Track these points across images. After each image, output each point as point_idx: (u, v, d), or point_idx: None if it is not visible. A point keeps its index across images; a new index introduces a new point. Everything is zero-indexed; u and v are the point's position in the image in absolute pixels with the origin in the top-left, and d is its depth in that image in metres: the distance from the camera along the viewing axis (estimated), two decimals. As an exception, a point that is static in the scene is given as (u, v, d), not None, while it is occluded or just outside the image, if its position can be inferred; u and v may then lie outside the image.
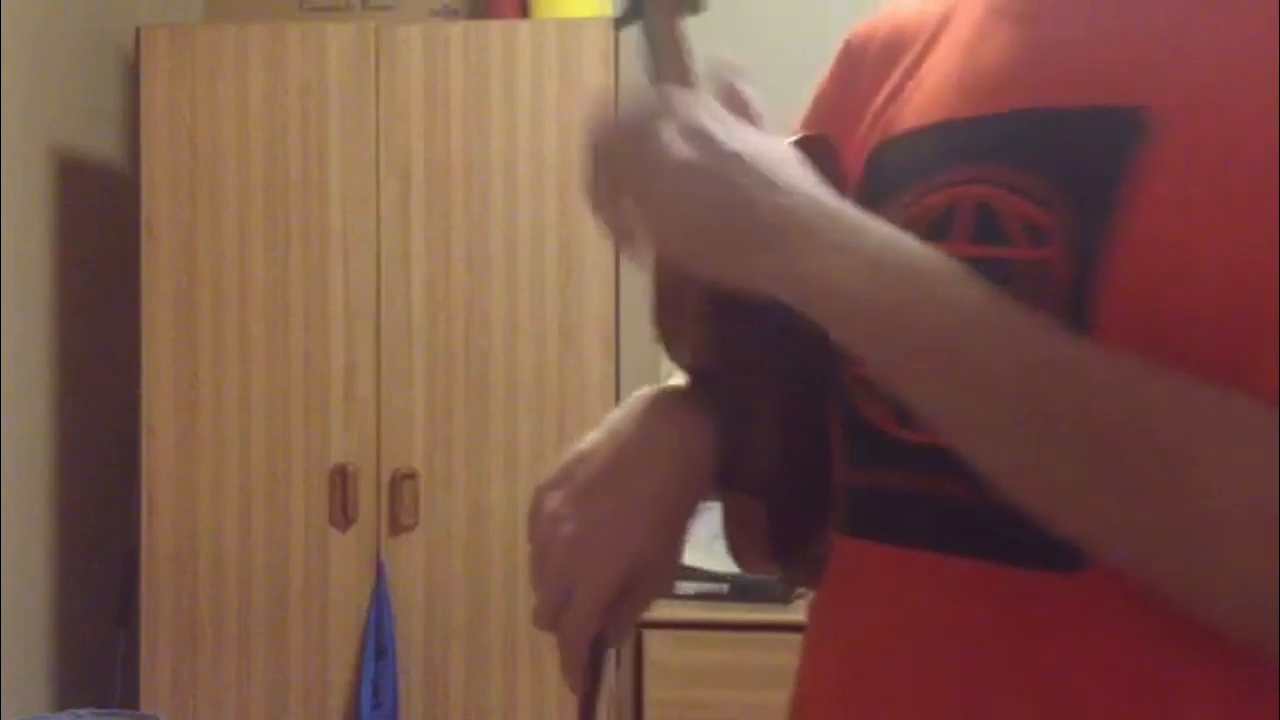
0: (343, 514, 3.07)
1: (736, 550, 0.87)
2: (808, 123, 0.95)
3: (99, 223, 3.39)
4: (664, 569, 0.83)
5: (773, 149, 0.73)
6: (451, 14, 3.27)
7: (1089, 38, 0.76)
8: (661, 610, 3.10)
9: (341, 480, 3.07)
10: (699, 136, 0.72)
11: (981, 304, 0.67)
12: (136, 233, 3.12)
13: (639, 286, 3.29)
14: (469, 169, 3.06)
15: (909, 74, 0.86)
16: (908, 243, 0.70)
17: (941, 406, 0.68)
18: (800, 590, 0.99)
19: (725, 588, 2.99)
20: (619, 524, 0.81)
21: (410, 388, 3.06)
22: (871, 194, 0.81)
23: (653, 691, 3.05)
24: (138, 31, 3.14)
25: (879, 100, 0.87)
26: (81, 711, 2.97)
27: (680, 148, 0.71)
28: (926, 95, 0.84)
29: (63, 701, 3.20)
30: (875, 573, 0.79)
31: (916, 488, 0.76)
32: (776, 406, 0.85)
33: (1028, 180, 0.74)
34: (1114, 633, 0.69)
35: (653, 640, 3.07)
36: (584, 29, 3.06)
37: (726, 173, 0.71)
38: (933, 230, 0.76)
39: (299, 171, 3.09)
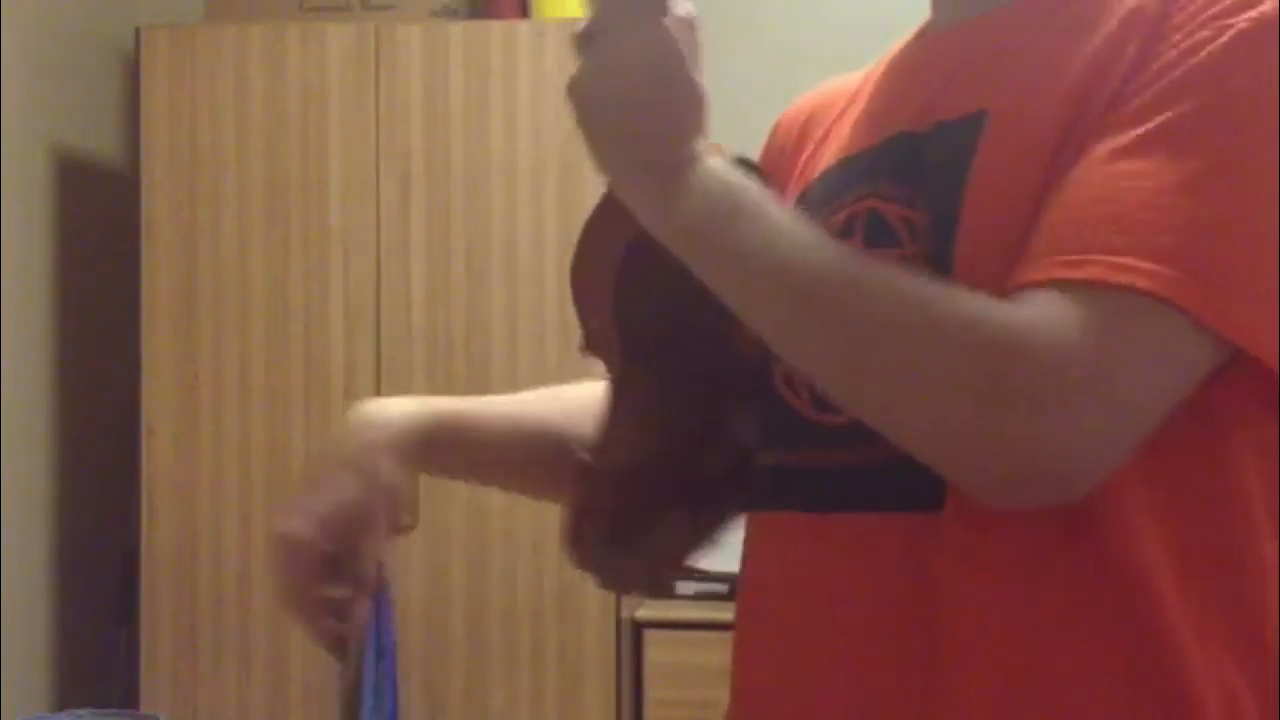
0: (343, 514, 3.07)
1: (575, 535, 0.98)
2: None
3: (99, 223, 3.39)
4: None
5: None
6: (451, 14, 3.27)
7: (940, 73, 0.94)
8: (661, 610, 3.10)
9: (341, 480, 3.06)
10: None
11: (790, 225, 0.84)
12: (136, 233, 3.11)
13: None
14: (469, 169, 3.06)
15: (827, 134, 1.04)
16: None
17: (742, 288, 0.84)
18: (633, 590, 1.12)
19: (725, 588, 2.99)
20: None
21: (410, 388, 3.06)
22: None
23: (653, 691, 3.05)
24: (138, 31, 3.14)
25: (806, 154, 1.05)
26: (81, 711, 2.97)
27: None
28: (835, 141, 1.02)
29: (63, 701, 3.20)
30: (797, 536, 0.93)
31: (830, 462, 0.91)
32: (645, 401, 0.95)
33: (902, 190, 0.90)
34: (973, 556, 0.85)
35: (653, 640, 3.07)
36: (584, 29, 3.06)
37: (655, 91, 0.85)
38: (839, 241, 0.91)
39: (299, 171, 3.09)
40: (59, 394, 3.23)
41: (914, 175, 0.90)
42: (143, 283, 3.10)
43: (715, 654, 2.98)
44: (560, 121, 3.04)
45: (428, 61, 3.08)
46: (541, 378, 3.01)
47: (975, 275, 0.83)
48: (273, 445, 3.08)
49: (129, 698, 3.15)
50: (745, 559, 1.00)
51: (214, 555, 3.09)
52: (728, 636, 1.01)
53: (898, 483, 0.87)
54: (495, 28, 3.11)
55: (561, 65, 3.04)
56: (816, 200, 0.98)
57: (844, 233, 0.92)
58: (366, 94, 3.08)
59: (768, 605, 0.96)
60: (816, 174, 1.01)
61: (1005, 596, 0.84)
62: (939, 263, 0.86)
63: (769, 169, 1.02)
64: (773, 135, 1.13)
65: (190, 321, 3.10)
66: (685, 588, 2.98)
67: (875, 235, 0.90)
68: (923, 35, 1.01)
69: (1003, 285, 0.82)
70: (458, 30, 3.10)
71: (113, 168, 3.47)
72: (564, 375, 3.27)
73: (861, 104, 1.02)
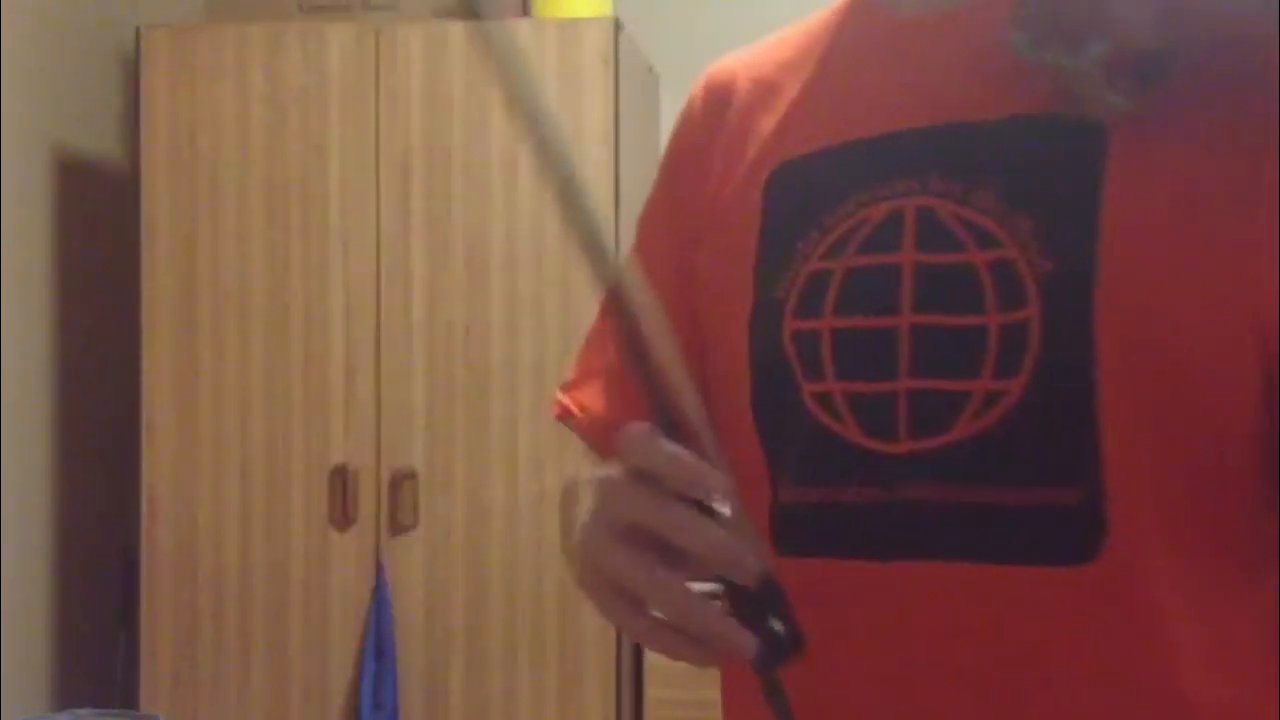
0: (343, 514, 3.07)
1: None
2: (666, 165, 0.99)
3: (99, 223, 3.39)
4: None
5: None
6: (451, 14, 3.26)
7: (991, 56, 0.80)
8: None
9: (341, 480, 3.07)
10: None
11: None
12: (136, 233, 3.11)
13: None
14: (469, 169, 3.06)
15: (791, 105, 0.90)
16: None
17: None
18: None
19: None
20: None
21: (410, 388, 3.06)
22: (786, 213, 0.86)
23: (653, 691, 3.06)
24: (138, 31, 3.14)
25: (759, 130, 0.91)
26: (81, 711, 2.97)
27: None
28: (820, 118, 0.88)
29: (63, 701, 3.20)
30: (865, 591, 0.80)
31: (895, 497, 0.78)
32: None
33: (956, 188, 0.79)
34: (1124, 619, 0.75)
35: (653, 640, 3.07)
36: (584, 29, 3.06)
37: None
38: (875, 243, 0.81)
39: (299, 171, 3.09)
40: (59, 394, 3.23)
41: (972, 171, 0.79)
42: (143, 283, 3.10)
43: (715, 654, 2.99)
44: (560, 121, 3.04)
45: (428, 61, 3.07)
46: (541, 378, 3.01)
47: (1129, 290, 0.75)
48: (273, 445, 3.08)
49: (129, 698, 3.15)
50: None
51: (214, 555, 3.09)
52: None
53: (991, 528, 0.77)
54: (495, 28, 3.11)
55: (561, 65, 3.04)
56: (814, 189, 0.86)
57: (887, 231, 0.81)
58: (366, 94, 3.08)
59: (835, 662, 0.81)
60: (793, 157, 0.88)
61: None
62: (1063, 273, 0.76)
63: (698, 137, 0.94)
64: (705, 96, 0.98)
65: (190, 321, 3.09)
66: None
67: (929, 237, 0.79)
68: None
69: (1165, 322, 0.74)
70: (458, 30, 3.10)
71: (113, 168, 3.47)
72: (564, 375, 3.27)
73: (834, 78, 0.89)
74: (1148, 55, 0.75)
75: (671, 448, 0.69)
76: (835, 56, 0.91)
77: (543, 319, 3.03)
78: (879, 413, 0.79)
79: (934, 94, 0.83)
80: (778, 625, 0.70)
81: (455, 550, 3.05)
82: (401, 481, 3.06)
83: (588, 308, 3.07)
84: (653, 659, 3.06)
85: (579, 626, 3.02)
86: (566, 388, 1.01)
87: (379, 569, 3.06)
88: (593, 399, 0.99)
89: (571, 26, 3.07)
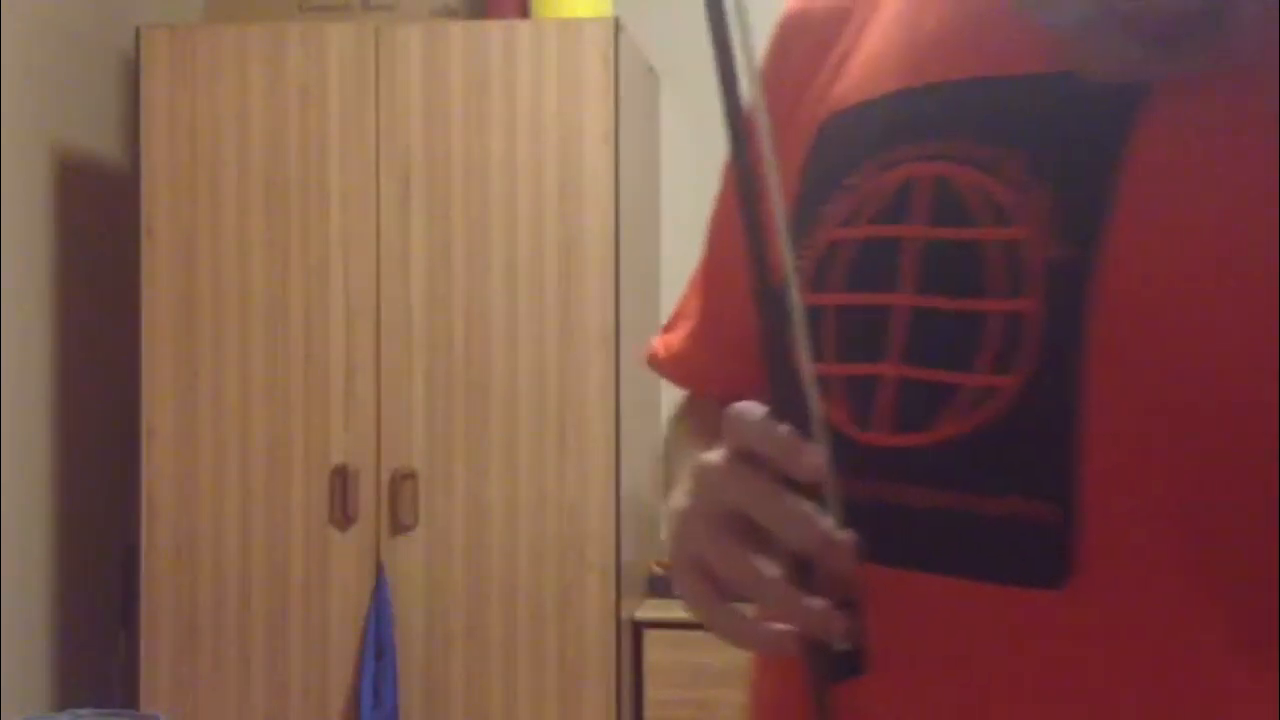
0: (343, 514, 3.07)
1: None
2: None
3: (99, 223, 3.39)
4: None
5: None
6: (451, 14, 3.27)
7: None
8: (661, 610, 3.10)
9: (341, 480, 3.07)
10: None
11: None
12: (136, 233, 3.12)
13: (639, 287, 3.29)
14: (469, 169, 3.06)
15: (853, 46, 0.82)
16: None
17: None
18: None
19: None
20: None
21: (410, 388, 3.06)
22: (820, 172, 0.79)
23: (653, 691, 3.06)
24: (138, 31, 3.14)
25: (824, 74, 0.83)
26: (81, 711, 2.97)
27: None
28: (873, 65, 0.80)
29: (63, 701, 3.20)
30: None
31: (882, 498, 0.71)
32: None
33: (981, 152, 0.71)
34: (1106, 644, 0.67)
35: (653, 640, 3.07)
36: (584, 29, 3.06)
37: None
38: (886, 212, 0.74)
39: (299, 172, 3.09)
40: (59, 394, 3.23)
41: (1003, 134, 0.71)
42: (143, 283, 3.10)
43: (715, 654, 2.99)
44: (560, 121, 3.04)
45: (428, 61, 3.07)
46: (541, 378, 3.01)
47: (1131, 286, 0.66)
48: (273, 445, 3.08)
49: (129, 698, 3.15)
50: None
51: (214, 555, 3.09)
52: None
53: (966, 539, 0.69)
54: (495, 28, 3.11)
55: (562, 65, 3.05)
56: (853, 144, 0.78)
57: (898, 201, 0.73)
58: (366, 94, 3.08)
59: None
60: (851, 102, 0.80)
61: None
62: (1067, 260, 0.68)
63: (771, 77, 0.82)
64: (778, 34, 0.89)
65: (190, 321, 3.10)
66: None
67: (941, 210, 0.71)
68: None
69: (1181, 302, 0.65)
70: (458, 30, 3.10)
71: (113, 168, 3.47)
72: (564, 375, 3.28)
73: (905, 14, 0.80)
74: (1191, 11, 0.66)
75: (767, 421, 0.65)
76: None
77: (543, 320, 3.03)
78: (864, 400, 0.72)
79: (980, 43, 0.75)
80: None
81: (455, 550, 3.05)
82: (401, 481, 3.06)
83: (588, 308, 3.08)
84: (653, 659, 3.06)
85: (579, 626, 3.02)
86: (663, 330, 1.00)
87: (379, 569, 3.06)
88: (679, 340, 0.96)
89: (571, 26, 3.07)
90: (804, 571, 0.65)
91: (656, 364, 1.00)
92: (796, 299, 0.65)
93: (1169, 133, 0.67)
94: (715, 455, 0.68)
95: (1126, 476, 0.66)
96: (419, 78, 3.07)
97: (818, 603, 0.64)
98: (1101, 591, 0.66)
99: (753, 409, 0.65)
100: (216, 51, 3.11)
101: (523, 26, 3.11)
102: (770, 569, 0.65)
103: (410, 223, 3.07)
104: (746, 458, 0.66)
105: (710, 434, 0.82)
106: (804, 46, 0.85)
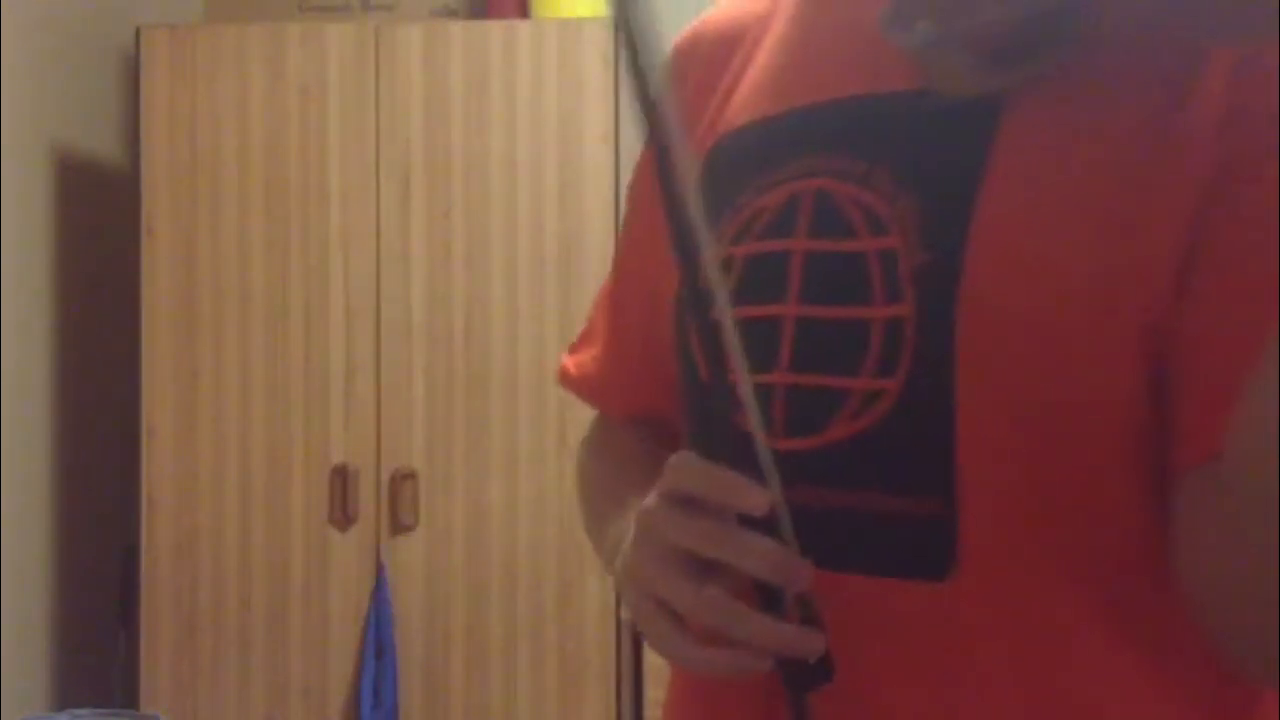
0: (343, 514, 3.07)
1: None
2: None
3: (99, 223, 3.39)
4: None
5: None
6: (451, 14, 3.26)
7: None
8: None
9: (341, 480, 3.07)
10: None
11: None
12: (136, 233, 3.12)
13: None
14: (469, 169, 3.06)
15: (740, 72, 0.86)
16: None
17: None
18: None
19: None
20: None
21: (410, 388, 3.06)
22: (711, 193, 0.81)
23: (653, 691, 3.05)
24: (138, 31, 3.14)
25: (715, 99, 0.87)
26: (81, 711, 2.97)
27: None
28: (758, 88, 0.83)
29: (63, 701, 3.20)
30: None
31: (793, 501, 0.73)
32: None
33: (857, 166, 0.75)
34: (989, 630, 0.71)
35: (653, 640, 3.07)
36: (584, 29, 3.06)
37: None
38: (774, 228, 0.77)
39: (299, 172, 3.09)
40: (59, 394, 3.23)
41: (875, 148, 0.75)
42: (143, 283, 3.10)
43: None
44: (560, 121, 3.04)
45: (428, 61, 3.08)
46: (541, 377, 3.01)
47: (992, 288, 0.70)
48: (273, 445, 3.08)
49: (129, 698, 3.15)
50: None
51: (214, 555, 3.09)
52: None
53: (857, 536, 0.73)
54: (495, 28, 3.11)
55: (561, 65, 3.04)
56: (737, 166, 0.81)
57: (784, 216, 0.77)
58: (366, 94, 3.08)
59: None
60: (734, 126, 0.84)
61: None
62: (934, 266, 0.71)
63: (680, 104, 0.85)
64: (670, 63, 0.92)
65: (190, 321, 3.10)
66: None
67: (822, 223, 0.75)
68: None
69: (1033, 307, 0.69)
70: (458, 30, 3.10)
71: (113, 168, 3.47)
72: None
73: (784, 41, 0.84)
74: (1032, 27, 0.68)
75: (707, 466, 0.68)
76: (776, 18, 0.86)
77: (543, 319, 3.03)
78: (763, 408, 0.74)
79: (856, 62, 0.78)
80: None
81: (455, 550, 3.05)
82: (401, 481, 3.06)
83: (588, 308, 3.07)
84: (653, 659, 3.06)
85: (579, 626, 3.02)
86: (570, 350, 1.03)
87: (379, 569, 3.06)
88: (589, 359, 1.00)
89: (571, 26, 3.07)
90: (766, 595, 0.68)
91: (567, 382, 1.03)
92: (728, 309, 0.69)
93: (1026, 142, 0.71)
94: (651, 501, 0.72)
95: (996, 472, 0.70)
96: (419, 78, 3.08)
97: (790, 628, 0.67)
98: (982, 581, 0.70)
99: (690, 457, 0.70)
100: (216, 51, 3.11)
101: (523, 26, 3.11)
102: (733, 601, 0.68)
103: (410, 222, 3.07)
104: (683, 500, 0.69)
105: (613, 453, 0.94)
106: (695, 76, 0.89)
